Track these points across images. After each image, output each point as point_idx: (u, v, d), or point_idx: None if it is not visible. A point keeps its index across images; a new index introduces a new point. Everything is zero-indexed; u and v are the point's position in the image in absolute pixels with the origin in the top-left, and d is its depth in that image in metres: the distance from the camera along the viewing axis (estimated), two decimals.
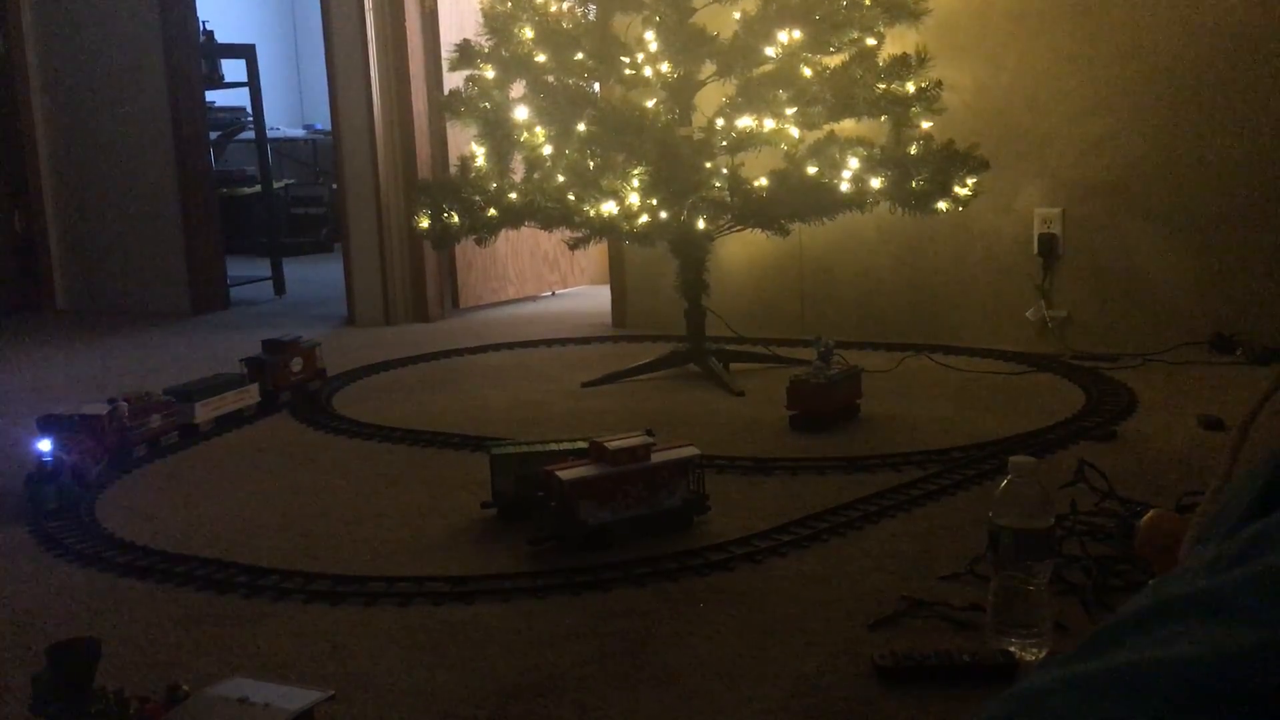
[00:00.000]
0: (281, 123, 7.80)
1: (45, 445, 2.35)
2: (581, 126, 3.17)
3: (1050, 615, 1.55)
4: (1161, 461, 2.38)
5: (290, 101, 8.27)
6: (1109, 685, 0.37)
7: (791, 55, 3.11)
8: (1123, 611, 0.43)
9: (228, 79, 5.71)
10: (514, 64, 3.25)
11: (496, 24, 3.26)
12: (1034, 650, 1.52)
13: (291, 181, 7.56)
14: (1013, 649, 1.52)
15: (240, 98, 5.91)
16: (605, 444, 2.03)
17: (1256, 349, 3.21)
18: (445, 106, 3.43)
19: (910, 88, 3.14)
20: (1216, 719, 0.35)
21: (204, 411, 2.93)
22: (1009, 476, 1.67)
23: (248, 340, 4.35)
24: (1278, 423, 0.81)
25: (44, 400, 3.29)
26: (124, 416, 2.70)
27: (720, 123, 3.14)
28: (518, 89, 3.31)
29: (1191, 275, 3.38)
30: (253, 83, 5.50)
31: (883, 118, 3.20)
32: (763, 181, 3.10)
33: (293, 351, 3.27)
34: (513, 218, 3.26)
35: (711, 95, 3.25)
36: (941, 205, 3.11)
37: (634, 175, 3.03)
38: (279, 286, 5.57)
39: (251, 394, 3.09)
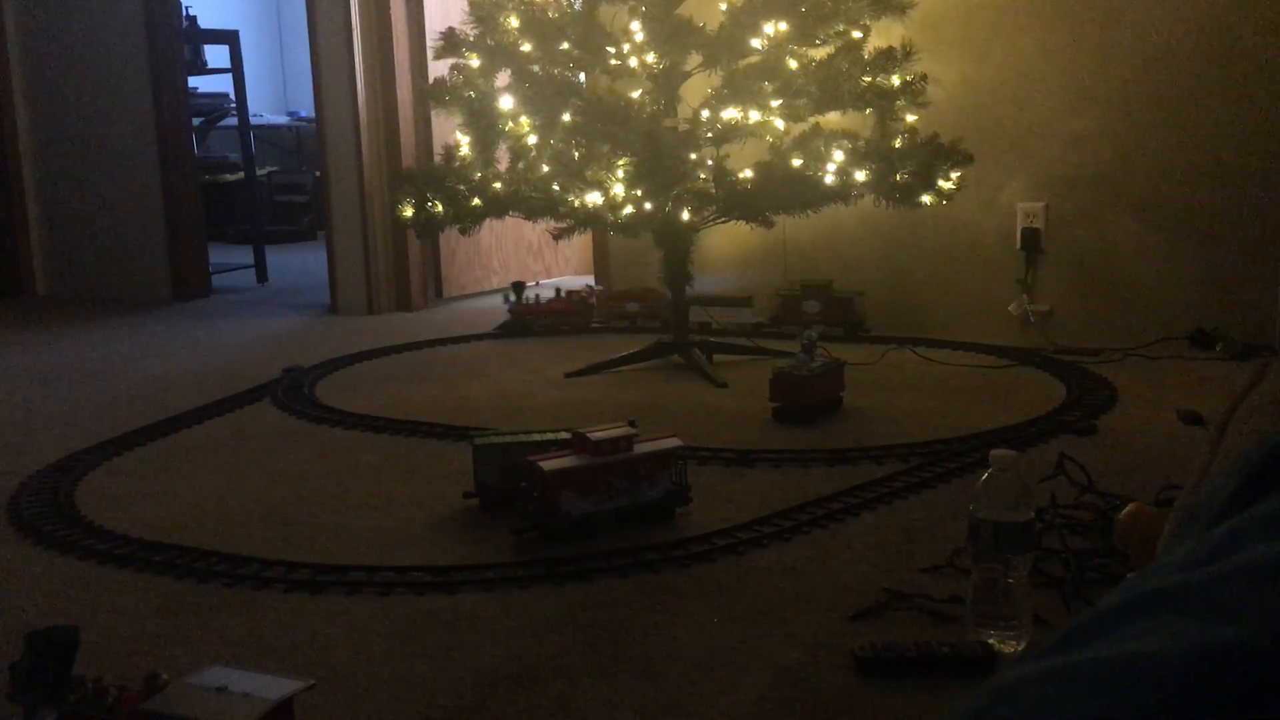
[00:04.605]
0: (265, 109, 7.76)
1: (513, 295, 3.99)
2: (567, 116, 3.17)
3: (1029, 608, 1.56)
4: (1141, 456, 2.39)
5: (274, 88, 8.23)
6: (1086, 679, 0.38)
7: (777, 47, 3.11)
8: (1101, 605, 0.43)
9: (211, 65, 5.68)
10: (499, 53, 3.24)
11: (482, 12, 3.25)
12: (1013, 642, 1.53)
13: (275, 169, 7.52)
14: (992, 641, 1.53)
15: (223, 84, 5.88)
16: (588, 435, 2.03)
17: (1236, 345, 3.23)
18: (430, 95, 3.42)
19: (895, 81, 3.15)
20: (1190, 715, 0.35)
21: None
22: (989, 469, 1.68)
23: (229, 327, 4.34)
24: (1256, 419, 0.82)
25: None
26: (589, 296, 4.02)
27: (706, 114, 3.14)
28: (503, 78, 3.30)
29: (1172, 271, 3.40)
30: (236, 69, 5.46)
31: (868, 111, 3.21)
32: (747, 173, 3.10)
33: (814, 295, 3.71)
34: (497, 207, 3.25)
35: (697, 87, 3.25)
36: (925, 199, 3.12)
37: (619, 166, 3.03)
38: (261, 274, 5.54)
39: (742, 315, 3.79)
